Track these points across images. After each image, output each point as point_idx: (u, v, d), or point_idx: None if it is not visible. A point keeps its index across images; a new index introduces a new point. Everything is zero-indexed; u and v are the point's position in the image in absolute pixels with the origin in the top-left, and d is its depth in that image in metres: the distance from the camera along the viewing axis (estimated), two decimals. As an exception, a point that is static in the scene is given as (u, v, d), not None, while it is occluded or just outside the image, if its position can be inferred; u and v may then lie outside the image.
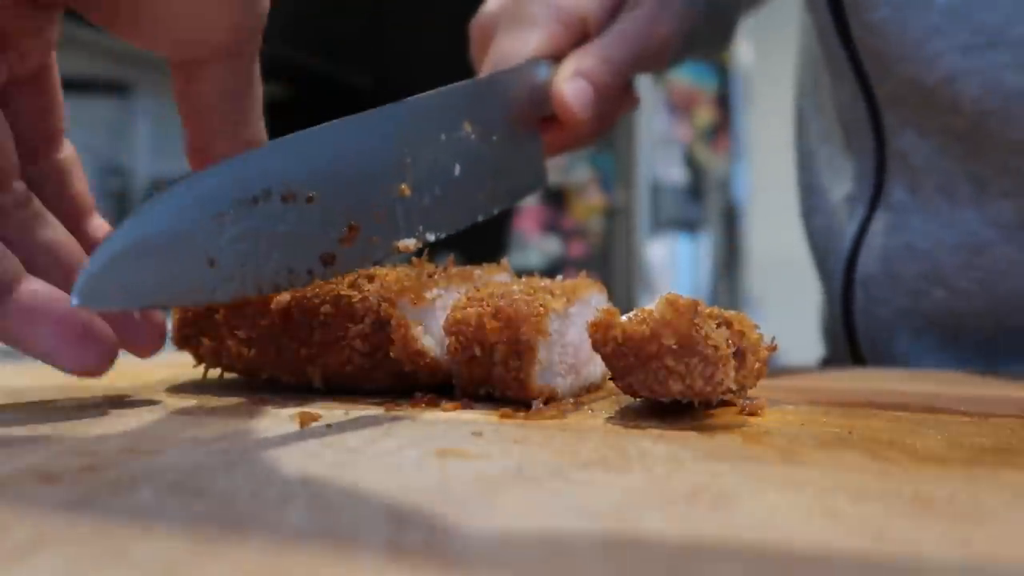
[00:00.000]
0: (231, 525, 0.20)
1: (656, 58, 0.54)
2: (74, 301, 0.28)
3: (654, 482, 0.24)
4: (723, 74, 3.65)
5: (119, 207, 2.27)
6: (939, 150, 0.55)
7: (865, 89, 0.57)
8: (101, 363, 0.33)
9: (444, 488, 0.23)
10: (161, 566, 0.18)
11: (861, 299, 0.61)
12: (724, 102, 3.69)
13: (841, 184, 0.62)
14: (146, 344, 0.37)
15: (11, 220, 0.34)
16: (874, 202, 0.59)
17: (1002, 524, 0.21)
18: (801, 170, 0.68)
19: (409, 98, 0.40)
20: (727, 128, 3.73)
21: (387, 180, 0.38)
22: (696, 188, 3.57)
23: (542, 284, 0.39)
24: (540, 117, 0.50)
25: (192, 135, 0.36)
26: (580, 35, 0.52)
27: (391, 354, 0.37)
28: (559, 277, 0.41)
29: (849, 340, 0.63)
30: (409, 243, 0.39)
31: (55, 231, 0.35)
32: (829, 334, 0.70)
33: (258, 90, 0.37)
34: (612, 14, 0.54)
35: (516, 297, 0.36)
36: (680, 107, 3.41)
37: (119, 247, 0.29)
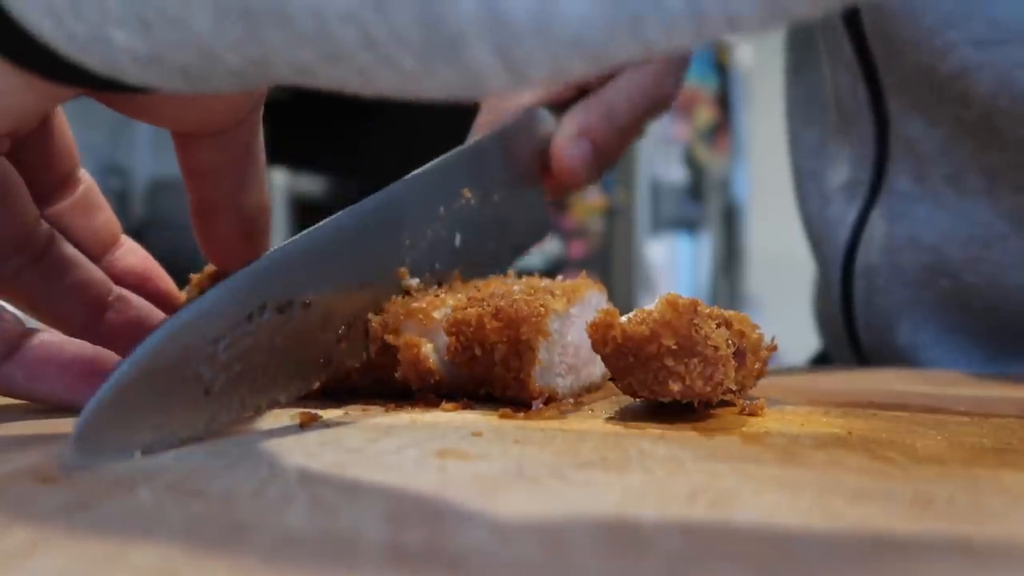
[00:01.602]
0: (230, 526, 0.20)
1: (659, 112, 0.54)
2: (68, 455, 0.26)
3: (654, 482, 0.24)
4: (723, 74, 3.65)
5: (119, 207, 2.27)
6: (949, 140, 0.54)
7: (869, 76, 0.56)
8: None
9: (444, 488, 0.23)
10: (160, 567, 0.18)
11: (862, 289, 0.60)
12: (724, 102, 3.69)
13: (837, 169, 0.62)
14: None
15: (37, 268, 0.35)
16: (874, 190, 0.58)
17: (1002, 524, 0.21)
18: (793, 153, 0.68)
19: (405, 177, 0.39)
20: (727, 128, 3.73)
21: (385, 270, 0.38)
22: (696, 188, 3.57)
23: (542, 284, 0.39)
24: (541, 167, 0.49)
25: (194, 198, 0.36)
26: (577, 86, 0.52)
27: (397, 375, 0.37)
28: (559, 277, 0.41)
29: (848, 331, 0.63)
30: None
31: (81, 271, 0.36)
32: (826, 324, 0.70)
33: (261, 157, 0.36)
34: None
35: (516, 297, 0.36)
36: (680, 107, 3.41)
37: (115, 395, 0.27)
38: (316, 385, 0.35)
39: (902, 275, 0.58)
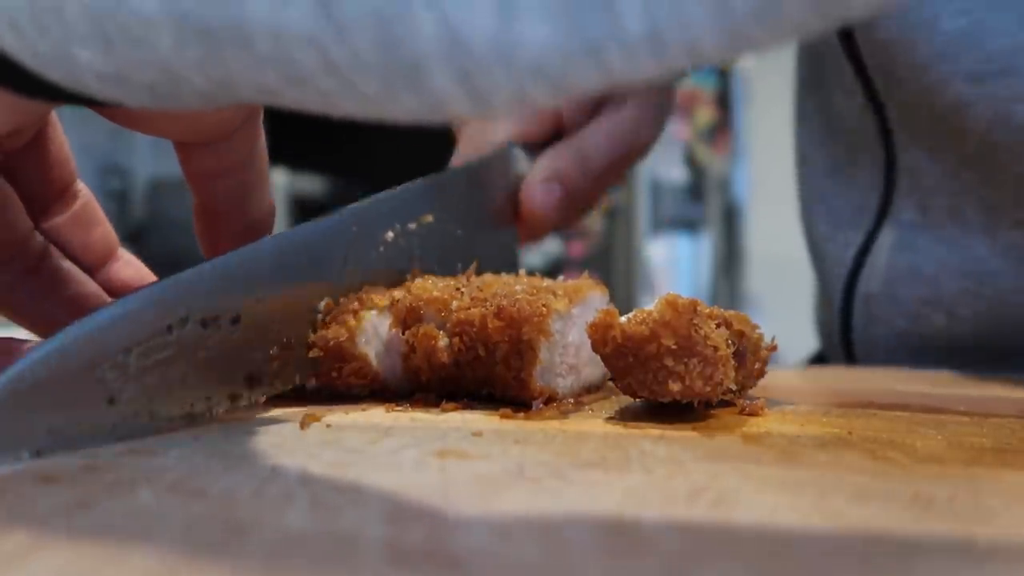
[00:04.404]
0: (231, 526, 0.20)
1: (634, 161, 0.54)
2: None
3: (654, 483, 0.24)
4: (723, 74, 3.64)
5: (119, 207, 2.27)
6: (950, 173, 0.53)
7: (875, 103, 0.55)
8: None
9: (444, 488, 0.23)
10: (160, 567, 0.18)
11: (860, 316, 0.60)
12: (724, 102, 3.68)
13: (847, 194, 0.61)
14: None
15: (31, 281, 0.35)
16: (881, 217, 0.58)
17: (1002, 524, 0.21)
18: (801, 176, 0.67)
19: (362, 201, 0.38)
20: (727, 128, 3.72)
21: (324, 290, 0.36)
22: (696, 188, 3.57)
23: (544, 284, 0.39)
24: (512, 207, 0.49)
25: (199, 201, 0.35)
26: (553, 127, 0.52)
27: (411, 363, 0.37)
28: (560, 277, 0.41)
29: (847, 353, 0.62)
30: None
31: (76, 285, 0.36)
32: (824, 331, 0.69)
33: (263, 162, 0.36)
34: (589, 109, 0.53)
35: (519, 297, 0.36)
36: (680, 107, 3.41)
37: (5, 395, 0.26)
38: (244, 404, 0.33)
39: (899, 307, 0.57)
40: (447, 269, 0.42)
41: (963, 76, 0.50)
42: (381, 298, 0.38)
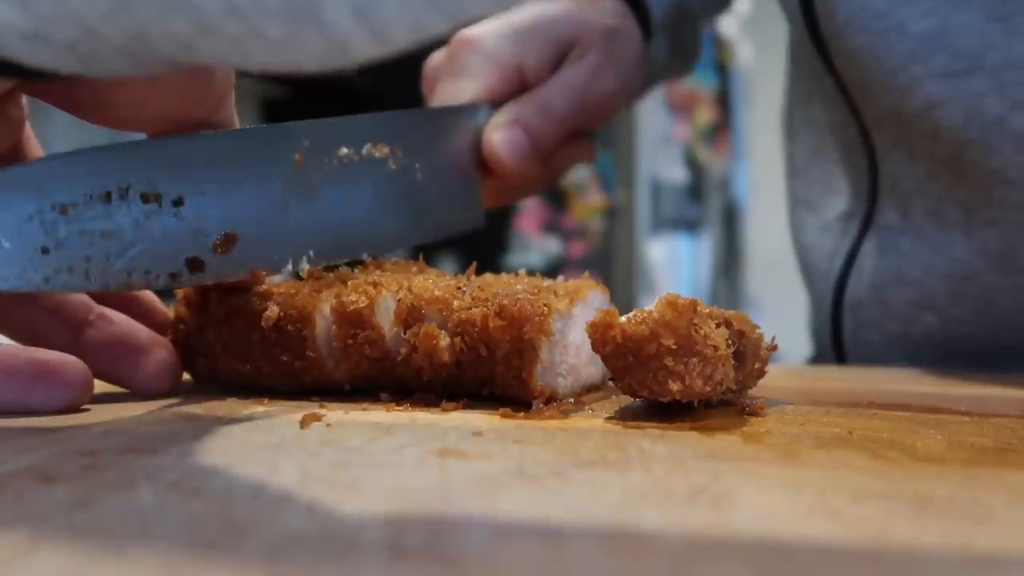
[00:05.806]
0: (230, 525, 0.20)
1: (601, 110, 0.54)
2: None
3: (654, 482, 0.24)
4: (723, 74, 3.65)
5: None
6: (928, 175, 0.54)
7: (854, 111, 0.56)
8: (70, 400, 0.33)
9: (444, 488, 0.23)
10: (160, 566, 0.18)
11: (851, 323, 0.60)
12: (724, 102, 3.68)
13: (835, 201, 0.61)
14: (150, 380, 0.38)
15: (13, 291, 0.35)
16: (866, 223, 0.58)
17: (1002, 524, 0.21)
18: (791, 182, 0.67)
19: (328, 118, 0.38)
20: (727, 128, 3.73)
21: (278, 192, 0.36)
22: (696, 188, 3.57)
23: (545, 284, 0.39)
24: (479, 162, 0.49)
25: None
26: (517, 84, 0.52)
27: (412, 362, 0.37)
28: (560, 277, 0.41)
29: (839, 362, 0.62)
30: (303, 267, 0.38)
31: (58, 295, 0.36)
32: (817, 338, 0.69)
33: None
34: (554, 66, 0.53)
35: (520, 296, 0.36)
36: (680, 107, 3.41)
37: None
38: (184, 284, 0.34)
39: (889, 311, 0.57)
40: (406, 212, 0.43)
41: (934, 76, 0.50)
42: (392, 284, 0.38)
